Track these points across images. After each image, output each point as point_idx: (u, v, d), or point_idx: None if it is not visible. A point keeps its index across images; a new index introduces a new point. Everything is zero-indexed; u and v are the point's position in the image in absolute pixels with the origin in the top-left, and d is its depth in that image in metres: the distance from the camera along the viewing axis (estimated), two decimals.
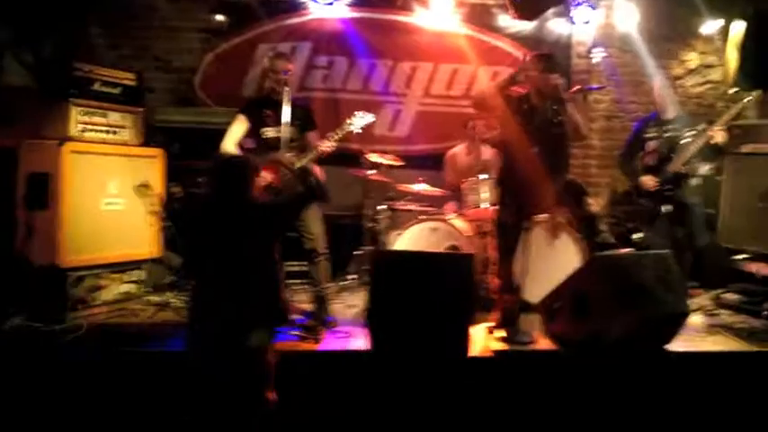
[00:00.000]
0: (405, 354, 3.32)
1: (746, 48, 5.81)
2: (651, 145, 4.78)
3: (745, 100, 4.61)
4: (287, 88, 3.89)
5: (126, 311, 4.20)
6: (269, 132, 3.98)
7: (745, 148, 4.96)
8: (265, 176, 3.89)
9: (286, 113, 3.85)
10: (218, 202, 3.01)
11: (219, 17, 5.66)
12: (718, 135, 4.47)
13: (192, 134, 5.20)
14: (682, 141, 4.68)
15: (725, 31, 6.15)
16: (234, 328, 2.82)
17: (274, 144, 3.91)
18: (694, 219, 4.69)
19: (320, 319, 3.93)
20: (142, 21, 5.68)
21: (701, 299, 4.74)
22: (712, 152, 4.66)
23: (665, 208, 4.66)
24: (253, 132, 4.02)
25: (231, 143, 3.96)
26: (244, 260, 2.90)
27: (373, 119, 4.16)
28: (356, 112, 4.12)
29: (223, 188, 3.02)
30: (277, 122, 3.91)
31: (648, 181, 4.70)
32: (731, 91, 6.04)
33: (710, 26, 6.18)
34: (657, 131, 4.78)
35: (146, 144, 4.70)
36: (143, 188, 4.48)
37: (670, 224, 4.71)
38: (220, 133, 4.09)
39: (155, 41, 5.73)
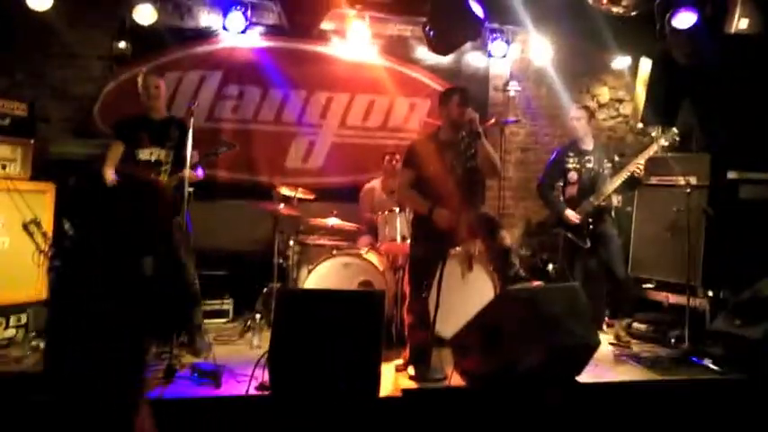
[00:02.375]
0: (309, 397, 3.28)
1: (653, 84, 6.20)
2: (573, 176, 4.91)
3: (669, 136, 4.79)
4: (192, 119, 3.90)
5: (8, 359, 3.98)
6: (143, 154, 4.10)
7: (653, 180, 5.26)
8: None
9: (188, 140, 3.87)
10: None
11: (123, 44, 5.54)
12: (641, 169, 4.70)
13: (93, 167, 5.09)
14: (603, 174, 4.85)
15: (634, 68, 6.54)
16: None
17: (148, 166, 4.04)
18: (614, 251, 4.86)
19: (195, 350, 4.05)
20: (39, 46, 5.50)
21: (614, 329, 4.90)
22: (630, 185, 4.87)
23: (585, 243, 4.80)
24: (128, 154, 4.15)
25: (108, 166, 4.09)
26: None
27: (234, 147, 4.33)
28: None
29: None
30: (152, 143, 4.06)
31: (572, 216, 4.81)
32: (639, 125, 6.41)
33: (620, 62, 6.55)
34: (578, 162, 4.91)
35: (35, 178, 4.52)
36: (31, 225, 4.29)
37: (589, 257, 4.88)
38: None
39: (52, 69, 5.55)
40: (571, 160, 4.94)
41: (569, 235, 4.85)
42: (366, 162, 5.86)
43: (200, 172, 4.22)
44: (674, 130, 4.84)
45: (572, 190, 4.93)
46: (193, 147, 3.93)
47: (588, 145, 4.98)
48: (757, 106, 5.32)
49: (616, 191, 4.85)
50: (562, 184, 4.99)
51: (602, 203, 4.82)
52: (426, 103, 6.17)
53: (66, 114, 5.53)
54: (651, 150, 4.76)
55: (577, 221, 4.81)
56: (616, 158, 4.93)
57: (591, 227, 4.81)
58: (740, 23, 5.21)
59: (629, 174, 4.73)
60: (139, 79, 4.31)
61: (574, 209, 4.85)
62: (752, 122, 5.30)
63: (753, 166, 5.21)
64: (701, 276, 4.90)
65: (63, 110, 5.53)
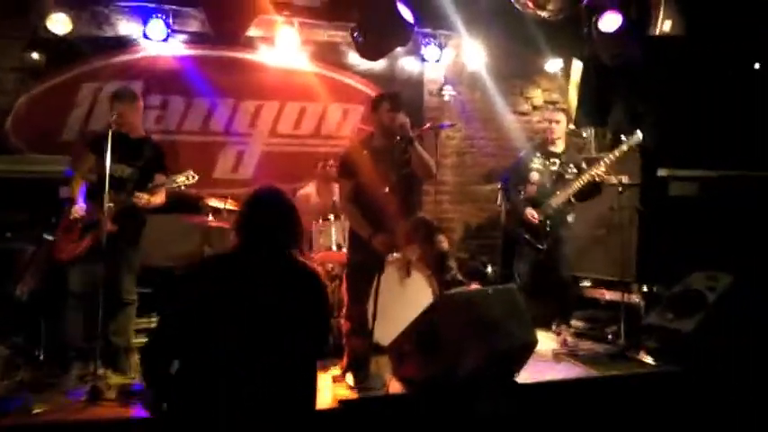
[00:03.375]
0: None
1: (584, 86, 6.47)
2: (534, 176, 5.01)
3: (631, 142, 4.85)
4: (110, 129, 3.90)
5: None
6: (110, 170, 4.04)
7: None
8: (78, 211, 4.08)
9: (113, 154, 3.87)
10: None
11: (36, 55, 5.42)
12: (605, 174, 4.82)
13: (5, 184, 4.97)
14: (566, 177, 4.97)
15: (567, 70, 6.80)
16: None
17: (113, 182, 3.99)
18: (565, 254, 5.01)
19: (122, 370, 4.09)
20: None
21: (561, 336, 4.98)
22: (591, 191, 4.95)
23: (543, 245, 4.92)
24: (97, 167, 4.14)
25: (77, 181, 4.19)
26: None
27: (195, 179, 4.33)
28: (183, 172, 4.29)
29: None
30: (120, 160, 4.04)
31: (531, 216, 4.91)
32: (571, 127, 6.65)
33: (553, 65, 6.79)
34: (542, 163, 5.02)
35: None
36: None
37: (541, 257, 4.99)
38: (39, 182, 3.95)
39: None
40: (536, 161, 5.04)
41: (527, 235, 4.96)
42: (299, 170, 5.86)
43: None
44: (639, 134, 4.88)
45: (531, 190, 5.03)
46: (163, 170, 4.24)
47: (558, 148, 5.11)
48: (683, 105, 5.61)
49: (575, 195, 4.94)
50: (524, 183, 5.07)
51: (560, 207, 4.94)
52: (360, 109, 6.25)
53: None
54: (613, 156, 4.85)
55: (536, 221, 4.92)
56: (583, 164, 5.04)
57: (549, 229, 4.92)
58: (664, 26, 5.52)
59: (589, 178, 4.85)
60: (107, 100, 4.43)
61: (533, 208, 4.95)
62: (679, 121, 5.59)
63: (681, 164, 5.50)
64: (635, 273, 5.13)
65: None
